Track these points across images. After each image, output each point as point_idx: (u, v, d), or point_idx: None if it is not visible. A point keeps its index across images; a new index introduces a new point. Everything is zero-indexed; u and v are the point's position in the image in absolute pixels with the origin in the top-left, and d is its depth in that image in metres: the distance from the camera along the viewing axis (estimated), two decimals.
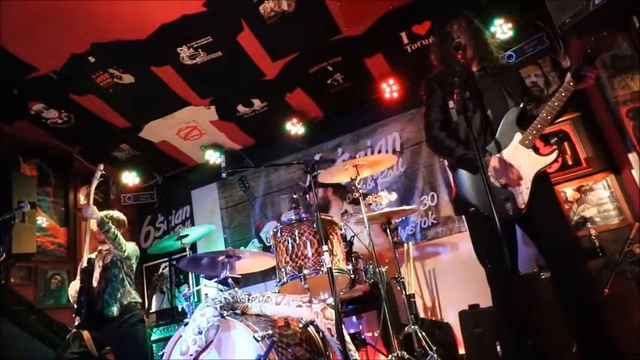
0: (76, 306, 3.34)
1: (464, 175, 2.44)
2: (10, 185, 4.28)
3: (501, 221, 2.21)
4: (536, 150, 2.33)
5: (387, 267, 3.35)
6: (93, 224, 3.53)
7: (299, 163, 2.63)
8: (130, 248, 3.59)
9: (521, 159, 2.31)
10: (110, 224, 3.43)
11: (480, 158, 2.01)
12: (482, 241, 2.41)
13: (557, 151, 2.31)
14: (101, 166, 3.76)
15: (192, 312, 2.77)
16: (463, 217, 4.63)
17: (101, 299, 3.43)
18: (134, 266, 3.67)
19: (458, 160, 2.45)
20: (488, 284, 2.41)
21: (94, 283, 3.44)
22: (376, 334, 4.06)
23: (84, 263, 3.44)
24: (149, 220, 6.48)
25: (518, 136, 2.34)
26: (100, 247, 3.65)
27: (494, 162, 2.33)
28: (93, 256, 3.60)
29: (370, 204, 3.77)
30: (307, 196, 4.68)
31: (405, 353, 2.91)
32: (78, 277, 3.48)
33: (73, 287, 3.47)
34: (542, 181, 2.31)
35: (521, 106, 2.38)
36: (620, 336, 2.18)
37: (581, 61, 2.16)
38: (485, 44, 2.52)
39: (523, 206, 2.27)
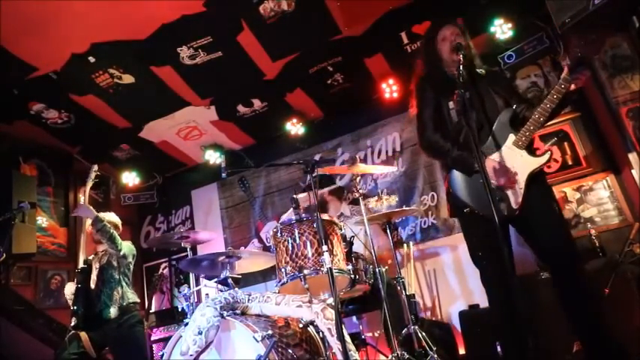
0: (73, 307, 3.34)
1: (457, 175, 2.44)
2: (10, 185, 4.27)
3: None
4: (530, 151, 2.33)
5: (387, 267, 3.36)
6: (88, 224, 3.53)
7: (299, 164, 2.62)
8: (126, 247, 3.58)
9: (515, 160, 2.32)
10: (104, 222, 3.43)
11: (480, 158, 2.01)
12: (478, 241, 2.41)
13: (550, 152, 2.33)
14: (95, 167, 3.75)
15: (192, 312, 2.78)
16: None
17: (99, 300, 3.42)
18: (131, 265, 3.66)
19: (453, 161, 2.45)
20: (482, 285, 2.41)
21: (92, 285, 3.44)
22: (376, 335, 4.07)
23: (80, 264, 3.44)
24: (149, 221, 6.48)
25: (511, 137, 2.35)
26: (97, 249, 3.65)
27: (492, 164, 2.33)
28: (90, 257, 3.59)
29: (371, 207, 3.77)
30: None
31: (405, 353, 2.91)
32: (75, 279, 3.48)
33: (69, 289, 3.46)
34: (537, 181, 2.31)
35: (514, 107, 2.38)
36: (620, 336, 2.18)
37: (573, 64, 2.17)
38: (471, 51, 2.55)
39: (517, 207, 2.27)
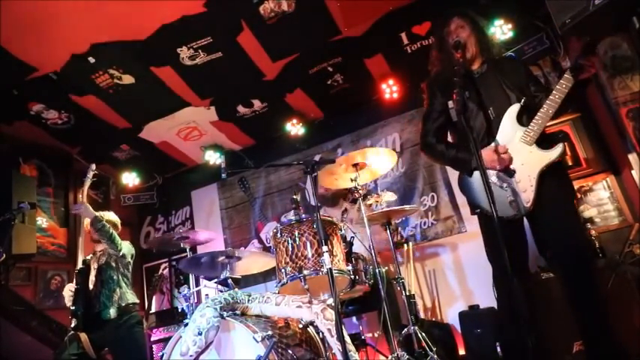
0: (72, 308, 3.34)
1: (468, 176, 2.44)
2: (10, 185, 4.27)
3: (509, 221, 2.20)
4: (541, 145, 2.28)
5: (387, 267, 3.35)
6: (87, 224, 3.52)
7: (299, 164, 2.62)
8: (125, 247, 3.57)
9: (525, 156, 2.28)
10: (104, 222, 3.43)
11: (479, 159, 2.00)
12: (490, 240, 2.40)
13: (561, 145, 2.25)
14: (93, 166, 3.74)
15: (192, 313, 2.78)
16: (464, 217, 4.68)
17: (98, 301, 3.42)
18: (130, 266, 3.65)
19: (450, 162, 2.45)
20: (494, 284, 2.41)
21: (90, 285, 3.44)
22: (376, 335, 4.06)
23: (79, 265, 3.44)
24: (149, 221, 6.48)
25: (519, 133, 2.31)
26: (95, 249, 3.64)
27: (486, 154, 2.29)
28: (89, 257, 3.59)
29: (370, 204, 3.77)
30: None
31: (405, 354, 2.90)
32: (74, 280, 3.47)
33: (68, 290, 3.46)
34: (552, 175, 2.25)
35: (522, 102, 2.35)
36: (620, 336, 2.18)
37: (580, 50, 2.15)
38: (486, 38, 2.53)
39: (529, 204, 2.23)
